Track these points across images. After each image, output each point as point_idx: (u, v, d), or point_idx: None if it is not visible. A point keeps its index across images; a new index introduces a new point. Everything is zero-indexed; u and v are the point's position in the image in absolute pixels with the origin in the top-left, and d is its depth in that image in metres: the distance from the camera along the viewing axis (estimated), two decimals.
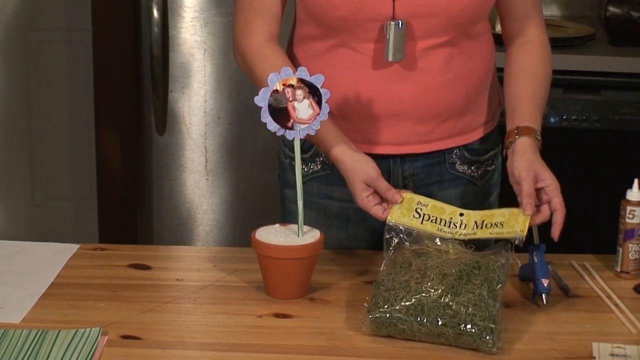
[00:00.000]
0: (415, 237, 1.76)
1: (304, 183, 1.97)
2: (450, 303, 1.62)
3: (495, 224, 1.75)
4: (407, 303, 1.63)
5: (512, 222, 1.74)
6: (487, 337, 1.60)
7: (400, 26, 1.82)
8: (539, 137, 1.84)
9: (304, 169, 2.00)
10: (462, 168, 1.98)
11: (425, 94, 1.89)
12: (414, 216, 1.78)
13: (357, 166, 1.80)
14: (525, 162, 1.79)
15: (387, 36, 1.83)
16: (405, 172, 1.97)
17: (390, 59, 1.84)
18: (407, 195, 1.81)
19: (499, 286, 1.66)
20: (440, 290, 1.64)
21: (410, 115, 1.90)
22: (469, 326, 1.60)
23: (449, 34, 1.86)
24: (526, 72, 1.93)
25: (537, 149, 1.82)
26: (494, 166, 2.04)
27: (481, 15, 1.89)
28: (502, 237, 1.75)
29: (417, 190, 1.97)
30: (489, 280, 1.66)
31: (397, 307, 1.63)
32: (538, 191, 1.77)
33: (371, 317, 1.64)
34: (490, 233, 1.75)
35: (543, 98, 1.92)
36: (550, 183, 1.76)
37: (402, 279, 1.67)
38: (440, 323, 1.61)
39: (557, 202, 1.75)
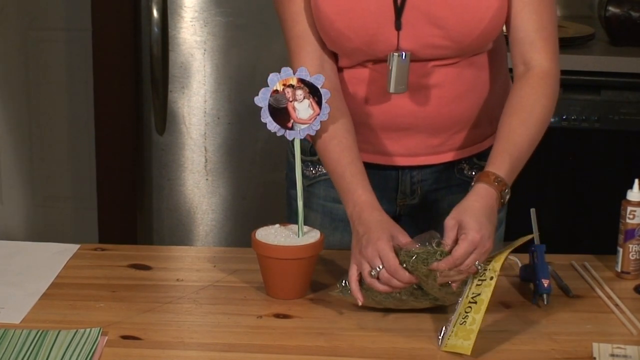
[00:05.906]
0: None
1: (310, 186, 1.97)
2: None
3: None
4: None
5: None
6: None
7: (404, 58, 1.79)
8: (499, 182, 1.71)
9: (312, 171, 1.99)
10: (470, 173, 1.97)
11: (437, 107, 1.87)
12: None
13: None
14: (460, 208, 1.68)
15: (390, 67, 1.80)
16: (413, 178, 1.97)
17: (391, 90, 1.81)
18: None
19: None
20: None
21: (422, 128, 1.89)
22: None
23: (460, 58, 1.85)
24: (514, 107, 1.80)
25: (488, 196, 1.69)
26: None
27: (491, 39, 1.86)
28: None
29: (425, 196, 1.97)
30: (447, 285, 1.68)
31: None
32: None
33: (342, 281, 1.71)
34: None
35: (524, 135, 1.77)
36: (468, 232, 1.63)
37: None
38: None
39: (459, 248, 1.62)
